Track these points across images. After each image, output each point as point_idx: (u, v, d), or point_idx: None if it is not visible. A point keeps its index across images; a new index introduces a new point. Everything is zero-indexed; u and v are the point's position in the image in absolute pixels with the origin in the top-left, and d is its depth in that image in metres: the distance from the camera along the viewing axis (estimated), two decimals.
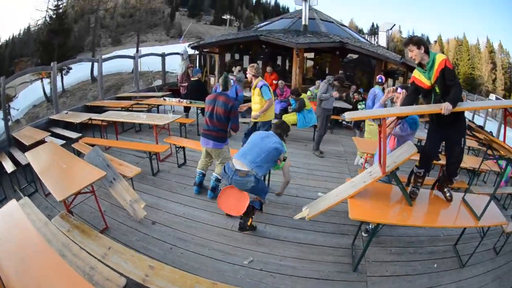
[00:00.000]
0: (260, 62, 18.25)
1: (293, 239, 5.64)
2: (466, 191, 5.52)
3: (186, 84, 12.95)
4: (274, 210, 6.41)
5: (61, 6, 49.33)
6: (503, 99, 66.55)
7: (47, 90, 37.92)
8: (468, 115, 23.27)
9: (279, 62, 21.07)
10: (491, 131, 16.25)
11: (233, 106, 6.26)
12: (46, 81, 37.38)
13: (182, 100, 11.87)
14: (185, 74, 13.14)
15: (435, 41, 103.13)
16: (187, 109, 12.74)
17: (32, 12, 50.10)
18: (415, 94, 4.96)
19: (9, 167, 7.79)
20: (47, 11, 48.49)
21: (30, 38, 52.47)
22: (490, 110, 27.24)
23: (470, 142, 10.57)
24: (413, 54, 4.60)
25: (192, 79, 12.36)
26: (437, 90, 4.61)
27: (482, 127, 16.38)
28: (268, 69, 14.49)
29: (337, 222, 5.27)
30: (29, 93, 41.79)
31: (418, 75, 4.72)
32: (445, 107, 4.32)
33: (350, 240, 5.66)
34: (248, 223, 5.72)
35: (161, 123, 8.69)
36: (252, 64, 7.83)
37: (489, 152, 5.30)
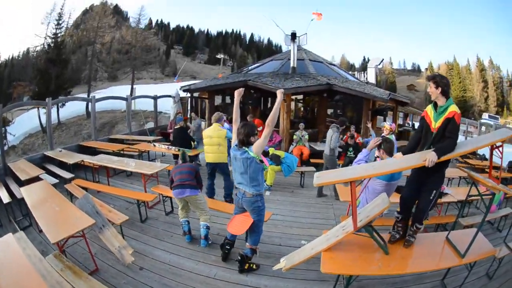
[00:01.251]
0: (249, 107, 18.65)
1: (274, 287, 5.72)
2: (450, 230, 5.52)
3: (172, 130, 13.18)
4: (256, 259, 6.42)
5: (59, 34, 49.92)
6: (496, 117, 66.96)
7: (43, 120, 38.02)
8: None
9: (263, 106, 21.51)
10: (483, 154, 16.48)
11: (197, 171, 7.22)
12: (42, 111, 37.42)
13: (171, 147, 12.08)
14: (173, 120, 13.36)
15: (426, 69, 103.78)
16: (176, 156, 12.69)
17: (32, 38, 50.84)
18: (422, 129, 5.06)
19: (5, 197, 8.05)
20: (45, 38, 49.09)
21: (28, 63, 53.10)
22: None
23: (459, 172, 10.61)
24: (431, 90, 4.81)
25: (175, 126, 12.54)
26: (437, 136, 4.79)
27: (474, 152, 16.61)
28: (248, 116, 14.46)
29: (318, 269, 4.95)
30: (26, 120, 42.11)
31: (429, 112, 4.90)
32: (429, 159, 4.47)
33: (330, 286, 5.66)
34: (246, 267, 6.06)
35: (149, 172, 8.83)
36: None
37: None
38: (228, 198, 9.00)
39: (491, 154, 4.84)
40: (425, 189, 4.94)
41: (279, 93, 5.73)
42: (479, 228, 4.92)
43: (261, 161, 5.60)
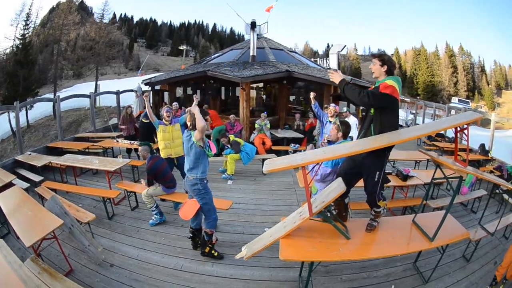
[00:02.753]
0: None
1: (240, 276, 5.85)
2: (417, 213, 5.55)
3: (125, 126, 13.16)
4: (221, 248, 6.58)
5: (27, 35, 49.20)
6: (466, 101, 67.81)
7: (14, 125, 37.54)
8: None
9: (224, 95, 21.98)
10: (453, 137, 16.70)
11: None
12: (12, 115, 36.88)
13: (133, 142, 12.10)
14: (125, 116, 13.23)
15: (392, 55, 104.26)
16: (130, 150, 12.93)
17: (1, 41, 49.92)
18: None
19: None
20: (14, 40, 48.33)
21: None
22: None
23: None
24: (375, 67, 4.88)
25: (144, 120, 12.30)
26: (372, 111, 4.84)
27: (442, 135, 16.83)
28: (204, 106, 14.61)
29: None
30: None
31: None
32: (332, 75, 4.95)
33: (296, 273, 5.80)
34: (206, 251, 6.34)
35: (112, 169, 8.91)
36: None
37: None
38: None
39: (456, 137, 4.82)
40: (367, 174, 4.94)
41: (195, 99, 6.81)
42: (447, 210, 4.93)
43: (202, 147, 5.81)
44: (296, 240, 4.85)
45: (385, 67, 4.80)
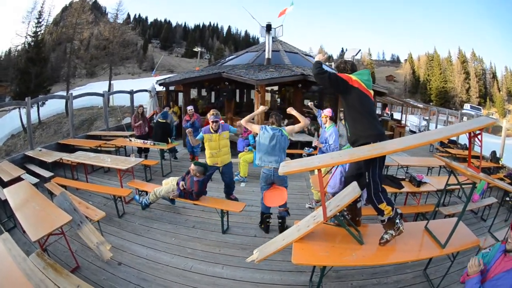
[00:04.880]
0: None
1: (250, 279, 5.78)
2: (429, 219, 5.46)
3: (137, 125, 13.15)
4: (232, 251, 6.59)
5: (39, 33, 49.56)
6: (478, 108, 67.50)
7: (25, 121, 37.77)
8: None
9: (239, 98, 21.93)
10: (465, 144, 16.62)
11: (196, 193, 7.46)
12: (23, 111, 37.13)
13: (146, 141, 12.09)
14: (137, 115, 13.22)
15: (405, 60, 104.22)
16: (141, 150, 12.98)
17: (13, 37, 50.35)
18: None
19: None
20: (26, 37, 48.68)
21: (10, 64, 52.51)
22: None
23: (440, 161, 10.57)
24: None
25: (160, 120, 12.45)
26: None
27: (455, 142, 16.71)
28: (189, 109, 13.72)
29: None
30: (8, 121, 42.18)
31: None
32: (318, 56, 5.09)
33: (307, 277, 5.75)
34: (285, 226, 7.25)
35: (124, 168, 8.88)
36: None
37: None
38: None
39: (470, 142, 4.71)
40: (362, 173, 4.84)
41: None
42: (459, 217, 4.80)
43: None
44: (309, 244, 4.76)
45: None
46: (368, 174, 4.66)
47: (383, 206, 4.73)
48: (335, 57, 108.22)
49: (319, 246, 4.76)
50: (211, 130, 8.37)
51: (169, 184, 7.87)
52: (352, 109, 4.78)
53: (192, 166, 7.31)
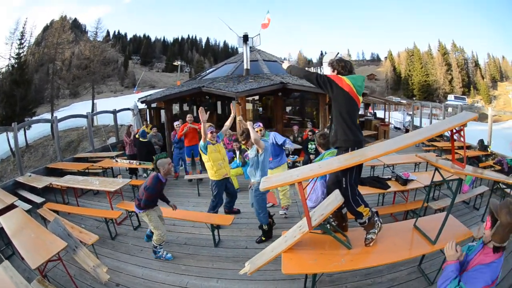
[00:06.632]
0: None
1: None
2: (418, 216, 5.55)
3: (130, 142, 13.33)
4: (225, 264, 6.67)
5: (22, 54, 49.34)
6: (462, 97, 67.82)
7: (12, 145, 37.57)
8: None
9: (221, 110, 21.65)
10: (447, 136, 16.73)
11: (147, 187, 6.65)
12: (10, 135, 36.96)
13: (132, 161, 12.20)
14: (129, 134, 13.44)
15: (385, 58, 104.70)
16: (133, 170, 12.99)
17: None
18: None
19: None
20: (9, 59, 48.46)
21: None
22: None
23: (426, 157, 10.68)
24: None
25: (141, 140, 12.52)
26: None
27: (441, 135, 16.85)
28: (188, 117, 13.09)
29: None
30: None
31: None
32: (284, 64, 5.23)
33: (301, 284, 5.83)
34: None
35: (112, 189, 8.99)
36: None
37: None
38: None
39: (452, 138, 4.84)
40: (339, 179, 4.92)
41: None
42: (448, 212, 4.88)
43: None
44: (297, 254, 4.84)
45: (335, 71, 5.01)
46: (345, 179, 4.78)
47: (361, 208, 4.87)
48: (314, 60, 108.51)
49: (308, 255, 4.84)
50: (212, 141, 8.17)
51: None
52: (338, 111, 4.84)
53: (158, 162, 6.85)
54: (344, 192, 4.83)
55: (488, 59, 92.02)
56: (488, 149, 14.36)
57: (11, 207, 8.51)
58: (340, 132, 4.85)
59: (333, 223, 5.28)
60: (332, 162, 4.71)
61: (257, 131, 8.43)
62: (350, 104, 4.80)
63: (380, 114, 31.08)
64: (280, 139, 8.81)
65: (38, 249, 5.77)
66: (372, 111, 31.98)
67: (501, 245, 3.23)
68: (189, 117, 12.63)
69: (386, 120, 27.08)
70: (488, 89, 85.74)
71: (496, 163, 11.88)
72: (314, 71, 5.08)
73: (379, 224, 5.00)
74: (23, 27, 52.24)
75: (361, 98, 4.92)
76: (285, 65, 5.25)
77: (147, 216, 6.86)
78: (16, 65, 47.37)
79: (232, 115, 8.57)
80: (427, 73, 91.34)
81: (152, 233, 7.03)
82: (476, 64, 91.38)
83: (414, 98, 76.83)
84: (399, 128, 30.59)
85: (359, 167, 4.95)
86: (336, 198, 4.81)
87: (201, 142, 7.92)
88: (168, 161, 6.83)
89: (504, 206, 3.17)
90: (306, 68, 4.97)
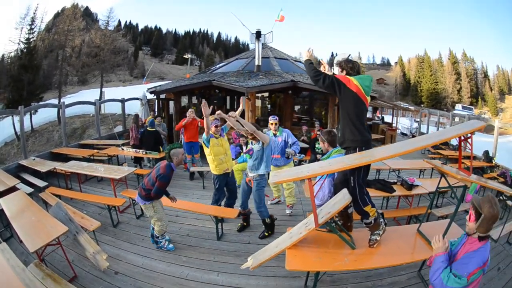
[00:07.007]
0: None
1: (245, 285, 5.83)
2: (421, 222, 5.51)
3: (135, 135, 13.23)
4: (227, 258, 6.64)
5: (32, 40, 49.38)
6: (470, 108, 67.73)
7: (18, 128, 37.59)
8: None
9: (230, 105, 21.44)
10: (457, 144, 16.76)
11: (161, 175, 6.39)
12: (16, 119, 36.95)
13: (138, 150, 12.14)
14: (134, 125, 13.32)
15: (396, 63, 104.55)
16: (138, 159, 13.01)
17: (6, 44, 50.16)
18: None
19: None
20: (19, 43, 48.52)
21: (3, 71, 52.26)
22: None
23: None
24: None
25: (149, 129, 12.53)
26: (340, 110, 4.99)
27: (447, 143, 16.81)
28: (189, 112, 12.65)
29: None
30: (1, 128, 41.76)
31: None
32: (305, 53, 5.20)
33: (302, 282, 5.80)
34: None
35: (117, 177, 8.92)
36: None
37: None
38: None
39: (460, 146, 4.89)
40: (347, 178, 4.91)
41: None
42: (451, 219, 4.87)
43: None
44: (302, 251, 4.81)
45: (344, 71, 5.03)
46: (354, 178, 4.76)
47: (368, 208, 4.85)
48: (325, 61, 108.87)
49: (312, 252, 4.81)
50: (215, 135, 8.00)
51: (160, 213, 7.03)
52: (345, 111, 4.84)
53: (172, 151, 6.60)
54: (352, 190, 4.81)
55: (497, 71, 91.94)
56: (493, 160, 14.36)
57: (13, 189, 8.48)
58: (348, 133, 4.84)
59: (338, 222, 5.22)
60: (342, 160, 4.67)
61: (272, 124, 8.73)
62: (358, 105, 4.80)
63: (387, 118, 31.06)
64: (292, 139, 8.70)
65: (38, 232, 5.74)
66: (380, 115, 31.89)
67: (485, 235, 3.42)
68: (190, 112, 12.26)
69: (394, 125, 26.99)
70: (496, 101, 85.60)
71: (499, 175, 11.88)
72: (328, 72, 4.97)
73: (384, 225, 5.01)
74: (34, 13, 52.31)
75: (369, 99, 4.91)
76: (306, 56, 5.20)
77: (153, 208, 6.74)
78: (25, 50, 47.47)
79: (240, 108, 8.34)
80: (436, 81, 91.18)
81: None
82: (485, 75, 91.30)
83: (422, 105, 76.65)
84: (405, 134, 30.54)
85: (367, 167, 4.90)
86: (343, 197, 4.80)
87: (204, 135, 7.83)
88: (182, 151, 6.68)
89: (486, 200, 3.37)
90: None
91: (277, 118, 8.92)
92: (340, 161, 4.67)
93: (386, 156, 4.46)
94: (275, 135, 8.69)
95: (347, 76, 4.85)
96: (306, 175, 4.36)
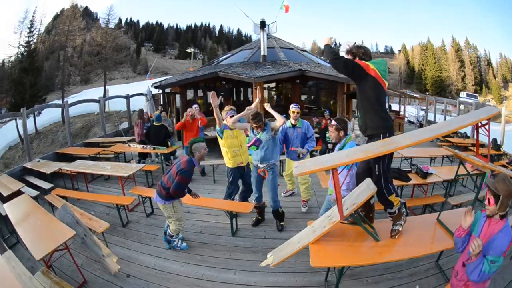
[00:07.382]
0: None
1: (264, 283, 5.65)
2: (440, 210, 5.38)
3: (140, 131, 13.03)
4: (243, 255, 6.45)
5: (31, 42, 49.61)
6: (474, 95, 67.74)
7: (21, 131, 37.71)
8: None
9: (236, 96, 21.69)
10: (465, 132, 16.61)
11: (182, 170, 6.08)
12: (19, 122, 37.06)
13: (145, 146, 11.89)
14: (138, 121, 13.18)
15: (399, 51, 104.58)
16: (144, 155, 12.88)
17: (6, 48, 50.45)
18: None
19: None
20: (19, 47, 48.72)
21: (4, 76, 52.62)
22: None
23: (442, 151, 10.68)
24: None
25: (156, 123, 12.33)
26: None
27: (456, 132, 16.65)
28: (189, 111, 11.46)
29: (308, 260, 4.66)
30: (5, 133, 41.90)
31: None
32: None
33: (322, 277, 5.63)
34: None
35: (125, 175, 8.73)
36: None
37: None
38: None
39: (477, 132, 4.77)
40: (371, 166, 4.78)
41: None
42: (473, 206, 4.32)
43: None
44: (325, 245, 4.62)
45: (357, 57, 4.84)
46: (378, 166, 4.62)
47: (392, 197, 4.74)
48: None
49: (336, 246, 4.66)
50: (230, 127, 7.62)
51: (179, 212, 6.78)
52: (365, 97, 4.68)
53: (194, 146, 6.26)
54: (376, 179, 4.63)
55: (500, 59, 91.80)
56: (501, 148, 14.34)
57: (18, 193, 8.31)
58: (370, 119, 4.70)
59: (361, 213, 5.03)
60: (369, 148, 4.48)
61: (294, 112, 8.37)
62: (378, 89, 4.64)
63: (394, 107, 30.85)
64: (310, 132, 8.46)
65: (44, 238, 5.57)
66: (387, 103, 31.74)
67: (505, 212, 3.45)
68: (189, 111, 11.34)
69: (401, 113, 26.80)
70: (500, 89, 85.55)
71: (509, 163, 11.78)
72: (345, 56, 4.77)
73: (405, 215, 4.92)
74: (33, 16, 52.58)
75: (386, 83, 4.76)
76: (325, 41, 4.93)
77: (173, 208, 6.47)
78: (25, 53, 47.70)
79: (257, 99, 8.19)
80: (440, 69, 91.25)
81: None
82: (489, 63, 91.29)
83: (427, 93, 76.71)
84: (412, 122, 30.41)
85: (391, 154, 4.77)
86: (368, 187, 4.62)
87: (217, 127, 7.56)
88: (204, 145, 6.32)
89: (499, 180, 3.41)
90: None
91: (300, 107, 8.61)
92: (368, 148, 4.49)
93: (411, 143, 4.28)
94: (294, 125, 8.36)
95: (363, 61, 4.65)
96: (332, 165, 4.14)
